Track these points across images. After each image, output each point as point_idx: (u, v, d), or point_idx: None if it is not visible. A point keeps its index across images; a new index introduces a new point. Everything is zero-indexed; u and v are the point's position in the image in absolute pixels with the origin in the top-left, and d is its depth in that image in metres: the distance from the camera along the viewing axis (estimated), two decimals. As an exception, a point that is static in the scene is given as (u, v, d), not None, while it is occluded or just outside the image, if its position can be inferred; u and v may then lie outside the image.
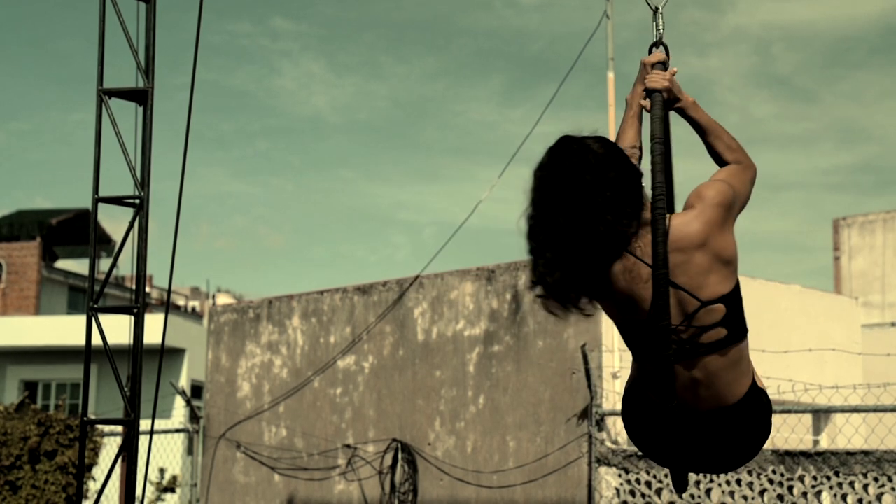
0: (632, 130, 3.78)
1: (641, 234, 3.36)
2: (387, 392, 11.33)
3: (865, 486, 7.75)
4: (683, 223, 3.39)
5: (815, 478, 7.93)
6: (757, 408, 3.55)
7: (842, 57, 74.33)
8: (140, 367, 7.86)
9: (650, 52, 3.89)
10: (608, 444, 9.21)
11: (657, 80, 3.70)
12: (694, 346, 3.41)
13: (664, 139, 3.58)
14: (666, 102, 3.66)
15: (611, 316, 3.53)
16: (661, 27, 3.90)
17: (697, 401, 3.46)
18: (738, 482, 8.21)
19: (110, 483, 8.60)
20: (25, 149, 76.52)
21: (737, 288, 3.46)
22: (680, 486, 3.80)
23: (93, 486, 12.62)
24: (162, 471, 13.09)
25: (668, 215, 3.40)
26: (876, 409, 7.90)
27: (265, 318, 12.57)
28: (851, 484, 7.79)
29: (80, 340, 8.59)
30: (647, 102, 3.71)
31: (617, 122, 10.77)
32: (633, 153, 3.69)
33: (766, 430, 3.62)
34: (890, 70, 65.98)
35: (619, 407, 9.79)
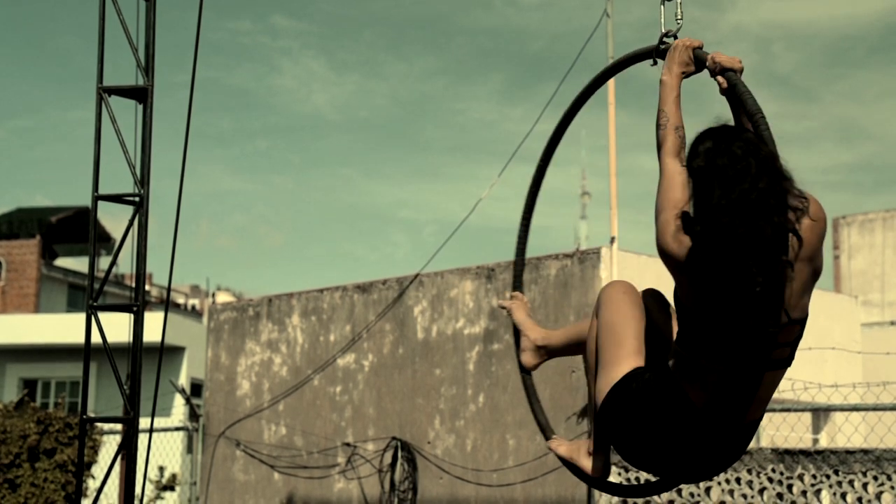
0: (679, 111, 3.70)
1: None
2: (386, 390, 11.33)
3: (865, 485, 7.75)
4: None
5: (814, 476, 7.93)
6: None
7: (842, 56, 74.32)
8: (139, 366, 7.86)
9: (661, 42, 3.86)
10: (608, 442, 9.20)
11: (729, 59, 3.65)
12: (765, 360, 3.39)
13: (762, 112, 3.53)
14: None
15: (712, 316, 3.38)
16: (679, 17, 3.85)
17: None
18: (738, 480, 8.21)
19: (110, 481, 8.60)
20: (25, 147, 76.53)
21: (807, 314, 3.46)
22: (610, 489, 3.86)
23: (92, 485, 12.61)
24: (161, 469, 13.08)
25: None
26: (875, 408, 7.89)
27: (265, 316, 12.56)
28: (851, 482, 7.79)
29: (80, 338, 8.58)
30: (722, 81, 3.66)
31: (617, 120, 10.77)
32: (682, 134, 3.64)
33: None
34: (890, 69, 65.96)
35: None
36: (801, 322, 3.41)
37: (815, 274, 3.41)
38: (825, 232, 3.44)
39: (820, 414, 11.97)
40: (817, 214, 3.39)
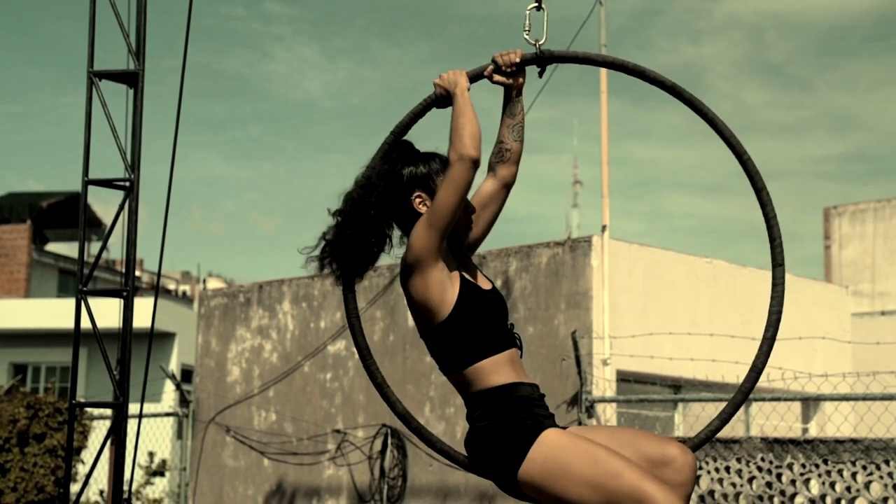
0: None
1: None
2: (377, 377, 11.32)
3: (854, 475, 7.77)
4: None
5: (803, 465, 7.95)
6: None
7: (835, 45, 74.36)
8: (129, 351, 7.85)
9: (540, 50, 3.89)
10: (598, 430, 9.20)
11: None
12: None
13: None
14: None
15: None
16: (527, 28, 3.90)
17: None
18: (727, 469, 8.22)
19: (99, 466, 8.59)
20: (16, 131, 76.27)
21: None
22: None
23: (81, 470, 12.59)
24: (151, 454, 13.08)
25: None
26: (865, 398, 7.91)
27: (255, 302, 12.55)
28: (840, 472, 7.80)
29: (70, 323, 8.56)
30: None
31: (610, 109, 10.77)
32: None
33: None
34: (883, 59, 66.01)
35: (609, 394, 9.80)
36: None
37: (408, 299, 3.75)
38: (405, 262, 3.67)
39: (809, 403, 11.99)
40: None
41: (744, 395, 3.75)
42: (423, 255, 3.55)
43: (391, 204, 3.68)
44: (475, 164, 3.51)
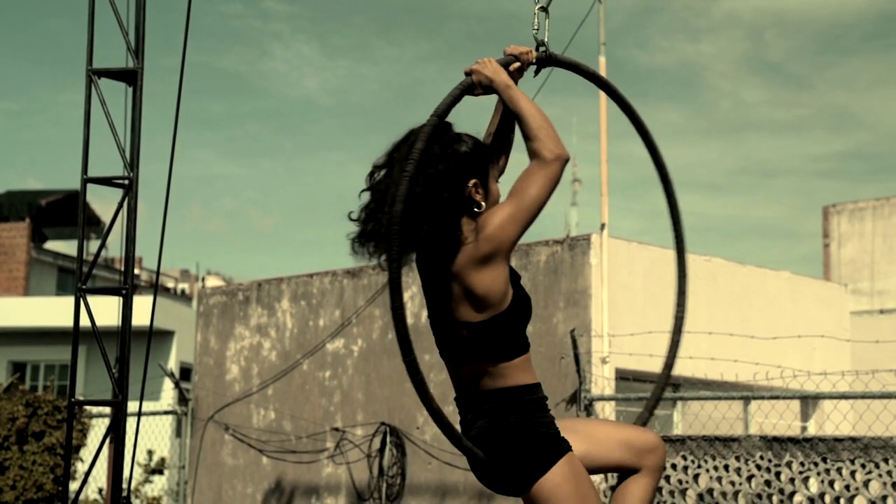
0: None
1: None
2: (375, 376, 11.32)
3: (853, 473, 7.76)
4: None
5: (802, 464, 7.94)
6: None
7: (834, 43, 74.38)
8: (128, 349, 7.85)
9: (540, 50, 3.92)
10: (597, 428, 9.19)
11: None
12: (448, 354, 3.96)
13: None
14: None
15: None
16: (536, 26, 3.96)
17: None
18: (726, 468, 8.22)
19: (98, 464, 8.59)
20: (15, 129, 76.26)
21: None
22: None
23: (80, 468, 12.59)
24: (150, 452, 13.08)
25: None
26: (864, 396, 7.90)
27: (254, 300, 12.55)
28: (839, 470, 7.80)
29: (69, 322, 8.56)
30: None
31: (609, 108, 10.77)
32: None
33: None
34: (882, 57, 66.01)
35: (608, 392, 9.80)
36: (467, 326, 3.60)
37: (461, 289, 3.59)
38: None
39: (808, 401, 12.00)
40: None
41: (662, 389, 4.07)
42: (503, 247, 3.50)
43: (451, 188, 3.50)
44: (567, 161, 3.50)
